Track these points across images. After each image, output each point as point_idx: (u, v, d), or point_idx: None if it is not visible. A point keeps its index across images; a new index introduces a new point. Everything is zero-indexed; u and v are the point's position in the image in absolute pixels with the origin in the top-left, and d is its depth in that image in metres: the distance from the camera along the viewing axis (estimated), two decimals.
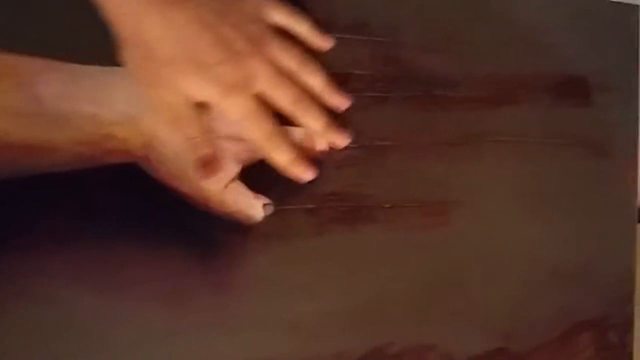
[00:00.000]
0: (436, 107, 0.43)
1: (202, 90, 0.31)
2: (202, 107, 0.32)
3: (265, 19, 0.33)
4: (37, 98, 0.30)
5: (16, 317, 0.33)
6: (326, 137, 0.35)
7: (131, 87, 0.32)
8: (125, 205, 0.35)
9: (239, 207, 0.36)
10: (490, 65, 0.45)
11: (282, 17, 0.35)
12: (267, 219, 0.37)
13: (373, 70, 0.42)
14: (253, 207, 0.36)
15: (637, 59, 0.48)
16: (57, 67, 0.31)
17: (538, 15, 0.46)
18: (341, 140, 0.36)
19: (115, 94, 0.32)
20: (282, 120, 0.34)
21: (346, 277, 0.40)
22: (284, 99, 0.33)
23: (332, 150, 0.37)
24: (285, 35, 0.34)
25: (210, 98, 0.31)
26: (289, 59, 0.33)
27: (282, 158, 0.33)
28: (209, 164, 0.33)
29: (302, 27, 0.36)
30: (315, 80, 0.34)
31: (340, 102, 0.36)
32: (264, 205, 0.36)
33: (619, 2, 0.49)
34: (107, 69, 0.32)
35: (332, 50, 0.37)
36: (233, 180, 0.35)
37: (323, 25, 0.37)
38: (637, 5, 0.49)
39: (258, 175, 0.35)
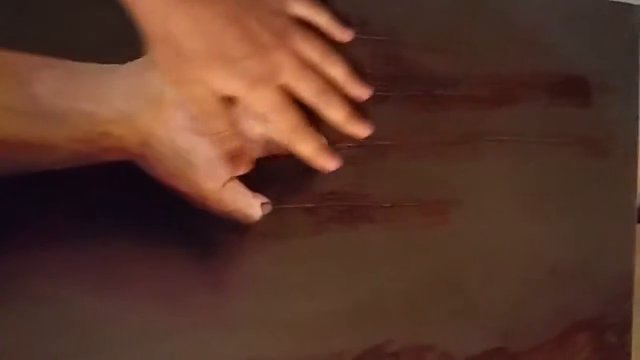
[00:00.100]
0: (436, 106, 0.43)
1: (229, 84, 0.32)
2: (228, 100, 0.33)
3: (287, 12, 0.34)
4: (34, 95, 0.30)
5: (14, 316, 0.33)
6: (349, 128, 0.36)
7: (129, 85, 0.32)
8: (123, 204, 0.35)
9: (237, 206, 0.36)
10: (490, 64, 0.44)
11: (303, 10, 0.35)
12: (265, 218, 0.37)
13: (373, 69, 0.41)
14: (251, 206, 0.36)
15: (637, 59, 0.48)
16: (54, 64, 0.31)
17: (538, 14, 0.46)
18: (363, 130, 0.36)
19: (113, 91, 0.32)
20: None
21: (345, 276, 0.39)
22: (307, 91, 0.34)
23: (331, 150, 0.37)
24: (306, 27, 0.35)
25: (237, 91, 0.32)
26: (312, 51, 0.34)
27: (307, 149, 0.34)
28: (237, 158, 0.34)
29: (322, 19, 0.37)
30: (338, 71, 0.35)
31: (361, 92, 0.36)
32: (262, 204, 0.36)
33: (619, 2, 0.49)
34: (104, 66, 0.32)
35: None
36: (231, 179, 0.35)
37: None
38: (638, 5, 0.49)
39: (256, 174, 0.35)
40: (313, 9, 0.36)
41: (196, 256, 0.37)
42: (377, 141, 0.41)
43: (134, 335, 0.35)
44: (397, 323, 0.40)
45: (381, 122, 0.41)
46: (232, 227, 0.36)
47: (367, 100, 0.37)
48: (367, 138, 0.37)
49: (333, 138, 0.37)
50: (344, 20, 0.38)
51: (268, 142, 0.36)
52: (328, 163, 0.35)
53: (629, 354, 0.46)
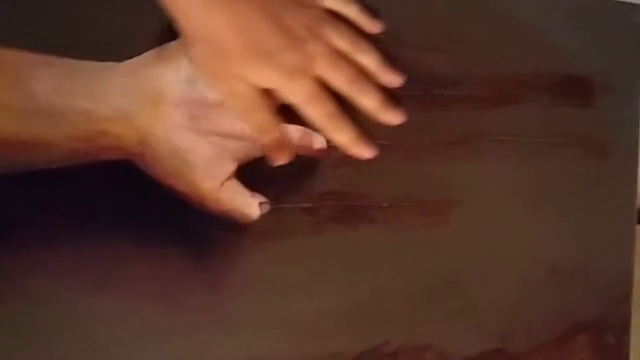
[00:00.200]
0: (436, 106, 0.42)
1: (268, 78, 0.33)
2: (266, 92, 0.33)
3: (318, 4, 0.35)
4: (31, 93, 0.30)
5: (12, 315, 0.33)
6: (381, 115, 0.36)
7: (127, 83, 0.32)
8: (121, 204, 0.35)
9: (235, 206, 0.35)
10: (491, 64, 0.44)
11: (334, 2, 0.37)
12: (264, 217, 0.36)
13: None
14: (249, 205, 0.36)
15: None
16: (51, 62, 0.31)
17: (539, 13, 0.46)
18: (396, 118, 0.37)
19: (111, 89, 0.32)
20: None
21: (343, 276, 0.39)
22: (340, 80, 0.34)
23: (330, 149, 0.37)
24: (337, 18, 0.36)
25: (275, 84, 0.33)
26: (343, 41, 0.35)
27: (344, 138, 0.35)
28: (280, 147, 0.35)
29: (352, 11, 0.37)
30: (369, 60, 0.36)
31: (394, 79, 0.37)
32: (261, 203, 0.36)
33: (622, 2, 0.48)
34: (102, 64, 0.32)
35: None
36: (229, 178, 0.35)
37: None
38: None
39: (254, 173, 0.35)
40: (343, 1, 0.37)
41: (194, 256, 0.37)
42: (377, 141, 0.41)
43: (133, 334, 0.35)
44: (396, 323, 0.40)
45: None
46: (230, 226, 0.36)
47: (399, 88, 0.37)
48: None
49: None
50: (373, 12, 0.38)
51: (244, 148, 0.35)
52: (364, 151, 0.36)
53: (627, 356, 0.45)
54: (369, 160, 0.39)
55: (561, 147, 0.45)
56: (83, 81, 0.31)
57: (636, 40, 0.48)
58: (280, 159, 0.35)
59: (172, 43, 0.34)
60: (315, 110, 0.34)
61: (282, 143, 0.35)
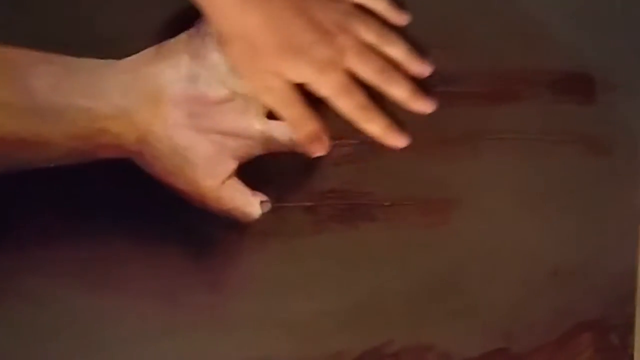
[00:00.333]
0: (436, 103, 0.42)
1: (301, 72, 0.34)
2: (298, 87, 0.34)
3: None
4: (30, 91, 0.30)
5: (12, 315, 0.33)
6: (412, 105, 0.37)
7: (127, 81, 0.32)
8: (121, 203, 0.35)
9: (235, 204, 0.35)
10: (491, 60, 0.44)
11: None
12: (265, 216, 0.36)
13: None
14: (250, 204, 0.36)
15: None
16: (51, 60, 0.31)
17: (540, 9, 0.46)
18: (426, 106, 0.38)
19: (110, 87, 0.32)
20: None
21: (345, 275, 0.39)
22: (370, 71, 0.35)
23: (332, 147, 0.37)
24: (364, 11, 0.37)
25: (308, 78, 0.34)
26: (371, 33, 0.36)
27: (376, 128, 0.36)
28: (317, 139, 0.36)
29: (379, 4, 0.38)
30: (397, 50, 0.37)
31: (422, 69, 0.38)
32: (262, 202, 0.36)
33: None
34: (102, 61, 0.32)
35: None
36: (230, 177, 0.35)
37: None
38: None
39: (255, 172, 0.35)
40: None
41: (195, 255, 0.37)
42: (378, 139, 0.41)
43: (133, 334, 0.35)
44: (397, 323, 0.40)
45: None
46: (230, 225, 0.36)
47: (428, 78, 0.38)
48: (366, 135, 0.37)
49: (333, 134, 0.37)
50: (399, 4, 0.39)
51: (268, 140, 0.35)
52: (397, 141, 0.37)
53: (631, 356, 0.45)
54: (370, 159, 0.39)
55: (563, 144, 0.45)
56: (82, 79, 0.31)
57: (639, 37, 0.48)
58: (319, 151, 0.36)
59: (172, 40, 0.34)
60: (347, 102, 0.35)
61: (319, 135, 0.36)
